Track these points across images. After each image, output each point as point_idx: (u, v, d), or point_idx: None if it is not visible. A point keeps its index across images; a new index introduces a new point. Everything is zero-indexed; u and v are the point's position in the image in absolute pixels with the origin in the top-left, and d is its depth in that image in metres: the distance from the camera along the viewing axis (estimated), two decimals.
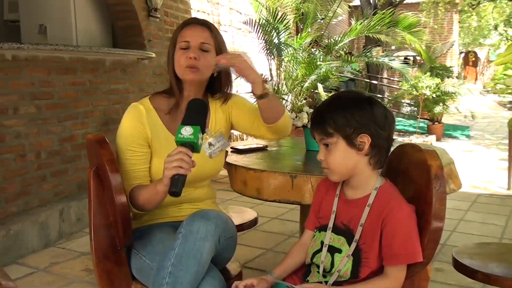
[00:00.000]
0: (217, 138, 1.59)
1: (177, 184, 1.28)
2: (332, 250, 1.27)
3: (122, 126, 1.55)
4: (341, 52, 7.96)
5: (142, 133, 1.53)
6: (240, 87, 5.96)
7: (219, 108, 1.68)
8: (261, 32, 5.66)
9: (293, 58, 5.75)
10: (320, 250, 1.29)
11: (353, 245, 1.24)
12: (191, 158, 1.30)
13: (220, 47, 1.60)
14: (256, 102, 1.60)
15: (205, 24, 1.60)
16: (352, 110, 1.22)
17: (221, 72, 1.62)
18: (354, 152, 1.23)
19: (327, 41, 6.78)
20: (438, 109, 8.31)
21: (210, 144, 1.57)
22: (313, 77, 5.74)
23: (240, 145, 2.22)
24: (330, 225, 1.29)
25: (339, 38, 6.12)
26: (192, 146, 1.30)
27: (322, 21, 7.12)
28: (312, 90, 6.14)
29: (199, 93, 1.62)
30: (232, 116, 1.71)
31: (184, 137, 1.29)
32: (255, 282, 1.29)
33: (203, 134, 1.34)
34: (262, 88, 1.53)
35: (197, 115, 1.36)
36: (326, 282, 1.26)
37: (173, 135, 1.54)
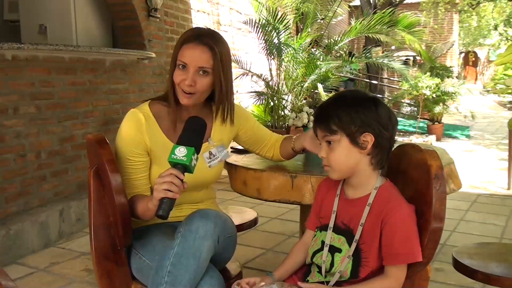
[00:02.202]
0: (218, 148, 1.60)
1: (164, 208, 1.28)
2: (332, 249, 1.27)
3: (121, 134, 1.53)
4: (341, 52, 7.95)
5: (141, 142, 1.52)
6: (241, 87, 5.97)
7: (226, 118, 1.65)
8: (261, 32, 5.65)
9: (293, 58, 5.74)
10: (320, 250, 1.29)
11: (353, 245, 1.24)
12: (183, 180, 1.30)
13: (219, 72, 1.48)
14: (291, 151, 1.76)
15: (207, 44, 1.47)
16: (357, 108, 1.22)
17: (221, 88, 1.54)
18: (357, 151, 1.23)
19: (327, 41, 6.77)
20: (438, 109, 8.30)
21: (210, 154, 1.57)
22: (313, 77, 5.73)
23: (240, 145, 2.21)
24: (331, 224, 1.29)
25: (339, 38, 6.12)
26: (185, 168, 1.30)
27: (322, 21, 7.11)
28: (312, 90, 6.14)
29: (197, 105, 1.58)
30: (240, 132, 1.73)
31: (177, 158, 1.29)
32: (258, 280, 1.29)
33: (197, 154, 1.33)
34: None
35: (193, 136, 1.35)
36: (326, 282, 1.26)
37: (172, 143, 1.54)
